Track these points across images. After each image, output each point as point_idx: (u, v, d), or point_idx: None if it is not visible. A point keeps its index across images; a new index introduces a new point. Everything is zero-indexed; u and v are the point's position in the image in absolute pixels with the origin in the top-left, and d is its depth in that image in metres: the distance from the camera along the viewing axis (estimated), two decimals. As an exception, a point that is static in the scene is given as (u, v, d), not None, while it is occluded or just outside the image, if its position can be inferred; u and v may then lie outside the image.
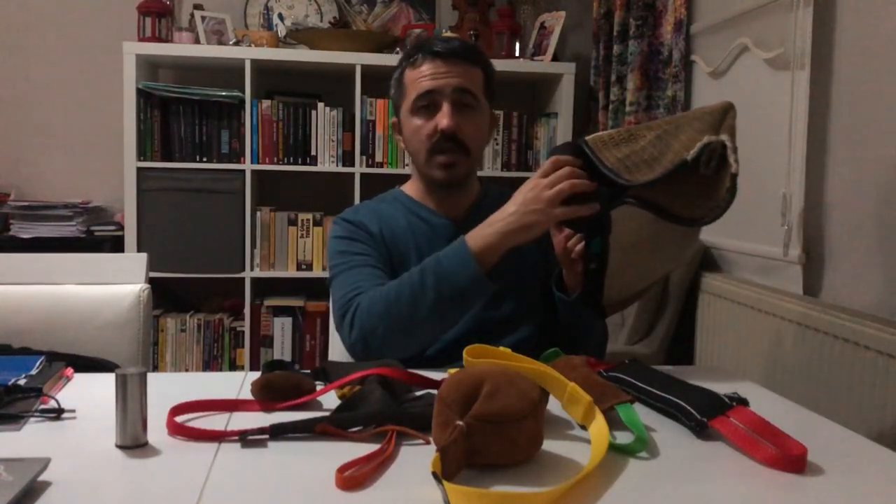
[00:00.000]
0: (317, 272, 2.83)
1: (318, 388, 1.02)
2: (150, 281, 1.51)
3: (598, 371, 1.05)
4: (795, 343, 1.78)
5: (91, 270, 1.47)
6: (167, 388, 1.04)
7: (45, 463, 0.74)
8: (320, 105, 2.80)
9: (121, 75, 2.65)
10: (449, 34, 2.91)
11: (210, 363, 2.84)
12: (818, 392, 1.69)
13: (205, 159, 2.75)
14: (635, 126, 1.14)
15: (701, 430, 0.90)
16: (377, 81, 2.76)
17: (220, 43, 2.80)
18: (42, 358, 1.12)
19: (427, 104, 1.33)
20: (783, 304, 1.84)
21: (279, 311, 2.85)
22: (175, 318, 2.81)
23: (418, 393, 1.03)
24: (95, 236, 2.79)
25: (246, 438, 0.86)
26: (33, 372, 1.06)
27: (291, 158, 2.79)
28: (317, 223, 2.84)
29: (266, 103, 2.76)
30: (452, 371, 0.95)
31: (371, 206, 1.44)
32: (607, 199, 1.12)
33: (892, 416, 1.46)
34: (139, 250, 2.67)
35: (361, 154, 2.81)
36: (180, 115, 2.73)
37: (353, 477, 0.75)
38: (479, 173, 1.46)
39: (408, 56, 1.38)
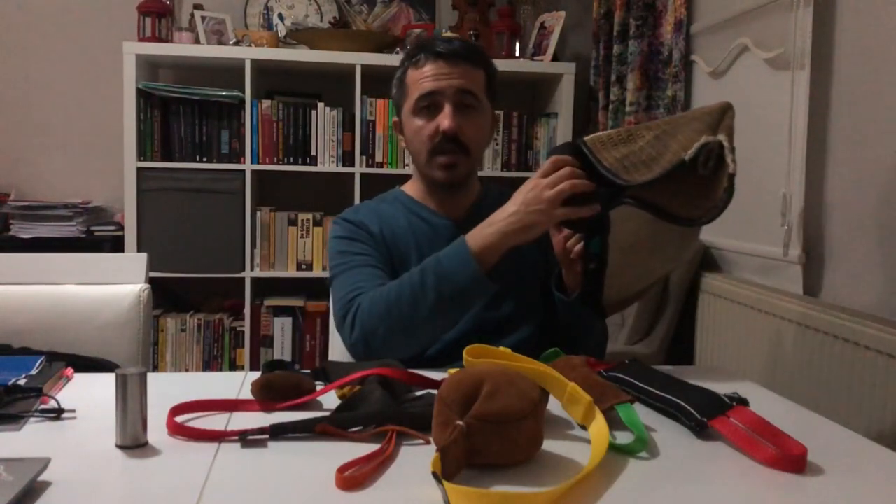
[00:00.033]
0: (317, 272, 2.83)
1: (318, 388, 1.02)
2: (150, 281, 1.51)
3: (598, 371, 1.05)
4: (795, 343, 1.78)
5: (91, 270, 1.47)
6: (167, 388, 1.04)
7: (45, 463, 0.74)
8: (320, 105, 2.80)
9: (121, 75, 2.65)
10: (449, 34, 2.91)
11: (210, 363, 2.84)
12: (818, 392, 1.69)
13: (205, 159, 2.75)
14: (634, 126, 1.14)
15: (701, 430, 0.90)
16: (377, 81, 2.76)
17: (220, 43, 2.80)
18: (42, 358, 1.12)
19: (429, 105, 1.33)
20: (783, 304, 1.84)
21: (279, 311, 2.85)
22: (175, 318, 2.81)
23: (418, 393, 1.03)
24: (95, 236, 2.79)
25: (246, 438, 0.86)
26: (33, 372, 1.06)
27: (291, 158, 2.79)
28: (317, 223, 2.84)
29: (266, 103, 2.76)
30: (452, 371, 0.95)
31: (371, 205, 1.44)
32: (606, 200, 1.12)
33: (892, 416, 1.46)
34: (139, 250, 2.67)
35: (361, 154, 2.81)
36: (180, 115, 2.73)
37: (353, 477, 0.75)
38: (480, 173, 1.46)
39: (410, 56, 1.38)
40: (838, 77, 1.77)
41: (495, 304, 1.33)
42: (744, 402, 0.91)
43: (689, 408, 0.92)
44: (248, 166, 2.74)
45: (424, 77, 1.33)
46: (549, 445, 0.84)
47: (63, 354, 1.22)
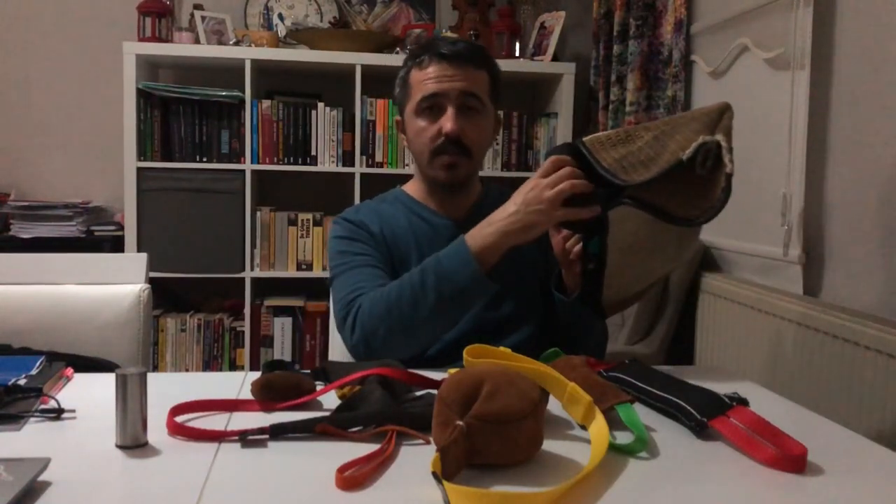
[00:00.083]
0: (317, 272, 2.83)
1: (318, 388, 1.02)
2: (150, 281, 1.51)
3: (598, 371, 1.05)
4: (795, 343, 1.78)
5: (91, 270, 1.47)
6: (167, 388, 1.04)
7: (45, 463, 0.74)
8: (320, 105, 2.80)
9: (121, 75, 2.65)
10: (450, 34, 2.91)
11: (210, 363, 2.84)
12: (818, 392, 1.69)
13: (205, 159, 2.75)
14: (633, 127, 1.14)
15: (701, 430, 0.90)
16: (377, 81, 2.76)
17: (220, 43, 2.80)
18: (42, 358, 1.12)
19: (432, 106, 1.33)
20: (783, 304, 1.84)
21: (279, 311, 2.85)
22: (175, 318, 2.81)
23: (418, 393, 1.03)
24: (95, 236, 2.79)
25: (246, 438, 0.86)
26: (33, 372, 1.06)
27: (291, 158, 2.79)
28: (317, 223, 2.84)
29: (266, 103, 2.76)
30: (452, 371, 0.95)
31: (372, 205, 1.44)
32: (604, 200, 1.12)
33: (892, 416, 1.46)
34: (139, 250, 2.67)
35: (361, 154, 2.81)
36: (180, 115, 2.73)
37: (353, 477, 0.75)
38: (480, 173, 1.46)
39: (414, 56, 1.38)
40: (838, 77, 1.77)
41: (495, 304, 1.33)
42: (744, 402, 0.91)
43: (689, 408, 0.92)
44: (248, 166, 2.74)
45: (428, 78, 1.33)
46: (549, 445, 0.84)
47: (63, 354, 1.22)
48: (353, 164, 2.81)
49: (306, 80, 2.99)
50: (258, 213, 2.79)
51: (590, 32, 3.01)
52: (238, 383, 1.09)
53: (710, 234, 2.29)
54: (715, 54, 2.31)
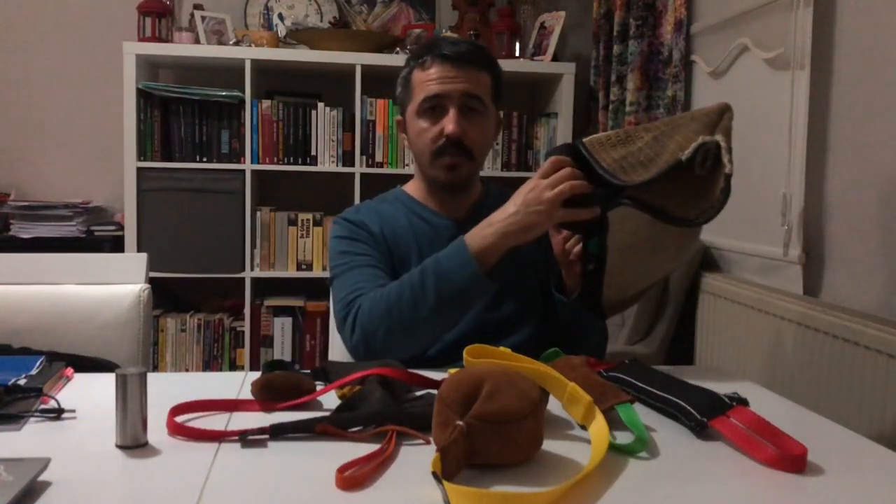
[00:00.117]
0: (317, 272, 2.83)
1: (318, 388, 1.02)
2: (150, 281, 1.51)
3: (598, 371, 1.05)
4: (795, 343, 1.78)
5: (91, 270, 1.47)
6: (167, 388, 1.04)
7: (45, 463, 0.74)
8: (320, 105, 2.80)
9: (121, 75, 2.65)
10: (450, 34, 2.91)
11: (210, 363, 2.84)
12: (818, 392, 1.69)
13: (205, 159, 2.75)
14: (633, 128, 1.14)
15: (701, 430, 0.90)
16: (377, 81, 2.76)
17: (220, 43, 2.80)
18: (42, 358, 1.12)
19: (433, 107, 1.33)
20: (783, 304, 1.84)
21: (279, 311, 2.84)
22: (175, 318, 2.81)
23: (418, 393, 1.03)
24: (95, 236, 2.79)
25: (246, 438, 0.86)
26: (33, 372, 1.06)
27: (291, 158, 2.79)
28: (317, 223, 2.84)
29: (266, 103, 2.76)
30: (452, 371, 0.95)
31: (372, 205, 1.44)
32: (604, 201, 1.12)
33: (892, 416, 1.46)
34: (139, 250, 2.67)
35: (361, 154, 2.81)
36: (180, 115, 2.73)
37: (353, 477, 0.75)
38: (480, 173, 1.46)
39: (416, 56, 1.38)
40: (838, 77, 1.77)
41: (495, 305, 1.32)
42: (744, 402, 0.91)
43: (689, 408, 0.92)
44: (248, 166, 2.74)
45: (430, 79, 1.33)
46: (549, 445, 0.84)
47: (63, 354, 1.22)
48: (353, 164, 2.81)
49: (306, 80, 2.99)
50: (258, 213, 2.79)
51: (590, 32, 3.01)
52: (238, 383, 1.09)
53: (710, 234, 2.29)
54: (715, 54, 2.31)
